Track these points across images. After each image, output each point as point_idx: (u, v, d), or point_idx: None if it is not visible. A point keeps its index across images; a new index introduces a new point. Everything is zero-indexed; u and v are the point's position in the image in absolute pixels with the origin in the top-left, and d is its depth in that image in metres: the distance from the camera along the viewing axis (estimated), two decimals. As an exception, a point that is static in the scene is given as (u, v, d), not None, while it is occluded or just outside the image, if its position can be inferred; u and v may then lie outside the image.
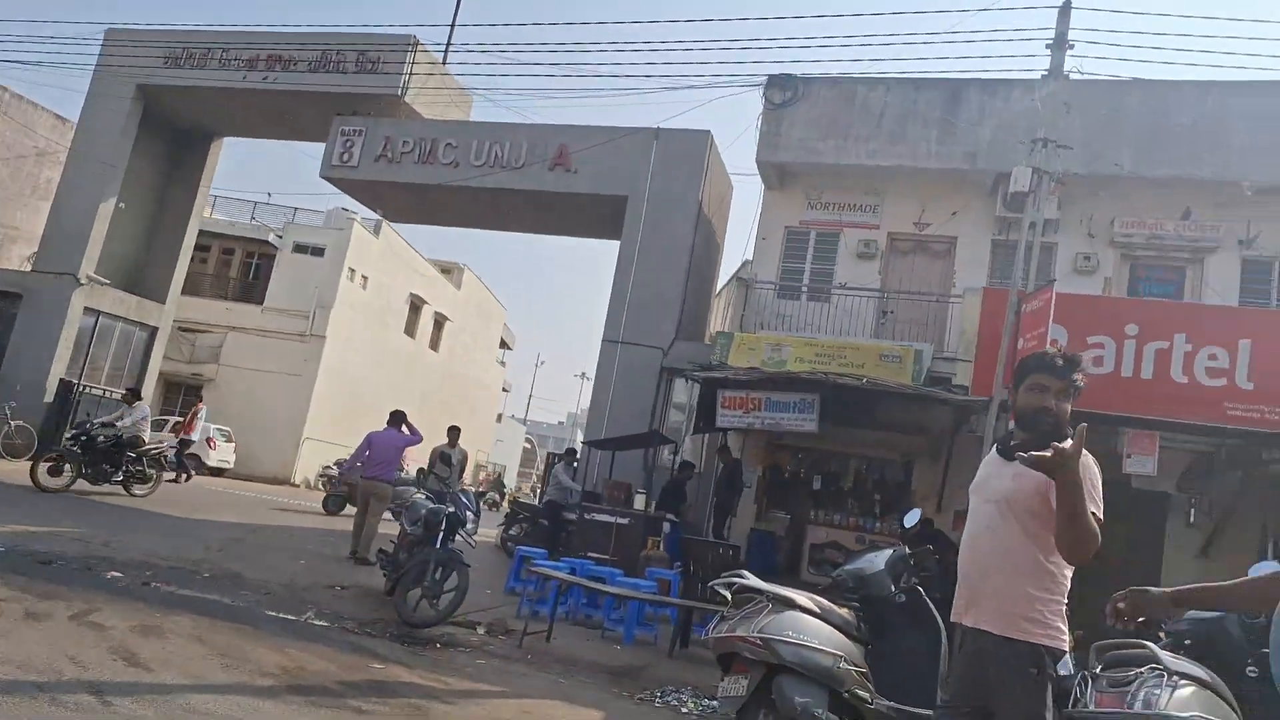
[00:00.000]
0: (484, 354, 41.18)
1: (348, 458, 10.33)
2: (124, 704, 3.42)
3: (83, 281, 17.56)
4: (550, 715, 4.61)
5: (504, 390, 51.29)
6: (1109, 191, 11.60)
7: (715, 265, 16.98)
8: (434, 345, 34.05)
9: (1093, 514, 2.43)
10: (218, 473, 22.33)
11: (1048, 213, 9.04)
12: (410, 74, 17.10)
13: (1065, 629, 2.65)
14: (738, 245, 68.53)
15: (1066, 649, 2.66)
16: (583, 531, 9.67)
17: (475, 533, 7.77)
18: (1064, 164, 9.37)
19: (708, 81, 42.02)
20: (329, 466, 25.41)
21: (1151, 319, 8.87)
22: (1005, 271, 12.46)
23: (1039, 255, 9.18)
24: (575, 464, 13.54)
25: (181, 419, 18.55)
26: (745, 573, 4.13)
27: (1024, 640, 2.57)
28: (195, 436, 16.83)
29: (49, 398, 17.09)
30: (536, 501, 14.58)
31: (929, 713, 3.70)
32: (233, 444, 23.00)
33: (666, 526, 10.40)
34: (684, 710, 5.27)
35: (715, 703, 5.31)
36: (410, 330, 31.78)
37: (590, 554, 9.22)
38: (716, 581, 4.19)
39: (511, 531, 12.16)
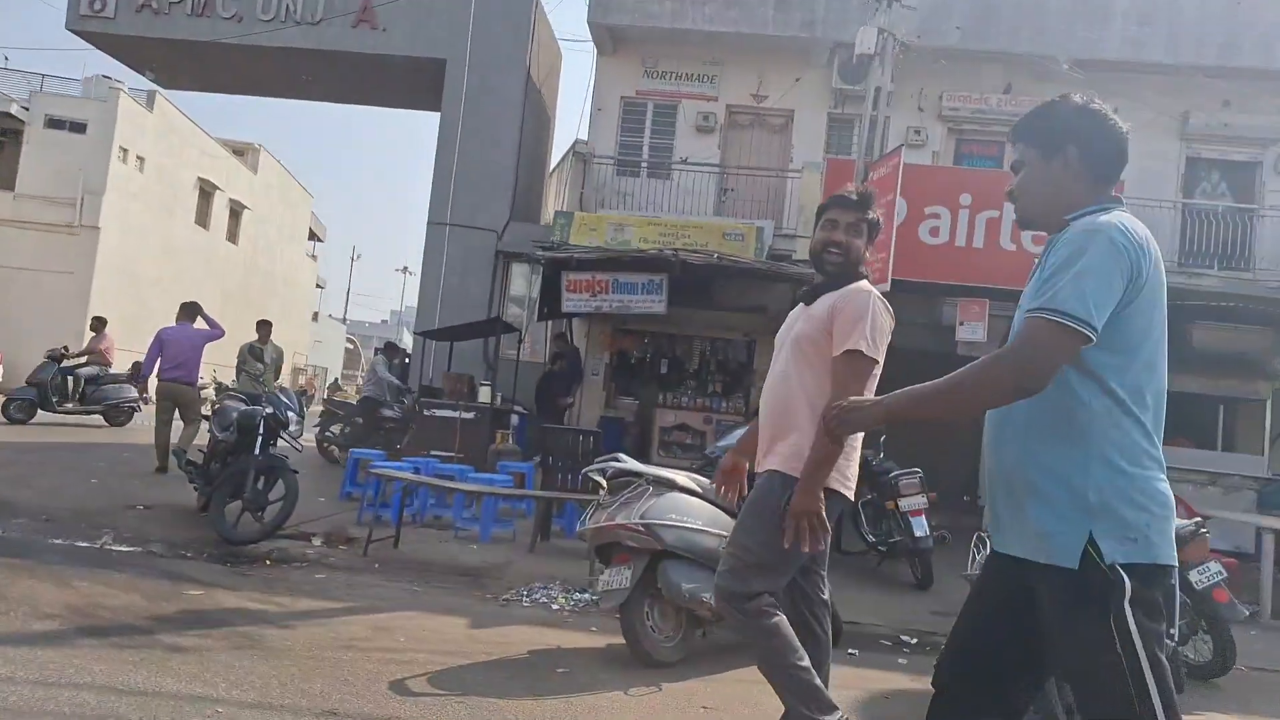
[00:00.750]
0: (291, 246, 37.85)
1: (143, 362, 8.95)
2: None
3: None
4: (407, 628, 4.13)
5: (318, 287, 47.71)
6: (938, 66, 11.78)
7: (548, 141, 16.04)
8: (231, 237, 30.74)
9: (853, 351, 2.47)
10: (-21, 387, 19.32)
11: (885, 82, 8.95)
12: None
13: (851, 476, 2.62)
14: (570, 122, 65.47)
15: (846, 494, 2.62)
16: (424, 429, 8.99)
17: (301, 435, 6.93)
18: (903, 31, 9.27)
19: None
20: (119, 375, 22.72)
21: (983, 188, 9.18)
22: (841, 147, 12.52)
23: (872, 128, 9.14)
24: (397, 360, 12.71)
25: None
26: (622, 455, 3.78)
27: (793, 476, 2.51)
28: None
29: None
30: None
31: None
32: (-3, 354, 19.88)
33: (515, 419, 9.94)
34: (554, 607, 4.96)
35: (588, 596, 5.07)
36: (202, 220, 28.41)
37: (434, 452, 8.63)
38: (591, 468, 3.83)
39: (329, 432, 11.26)
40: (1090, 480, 1.62)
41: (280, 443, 6.61)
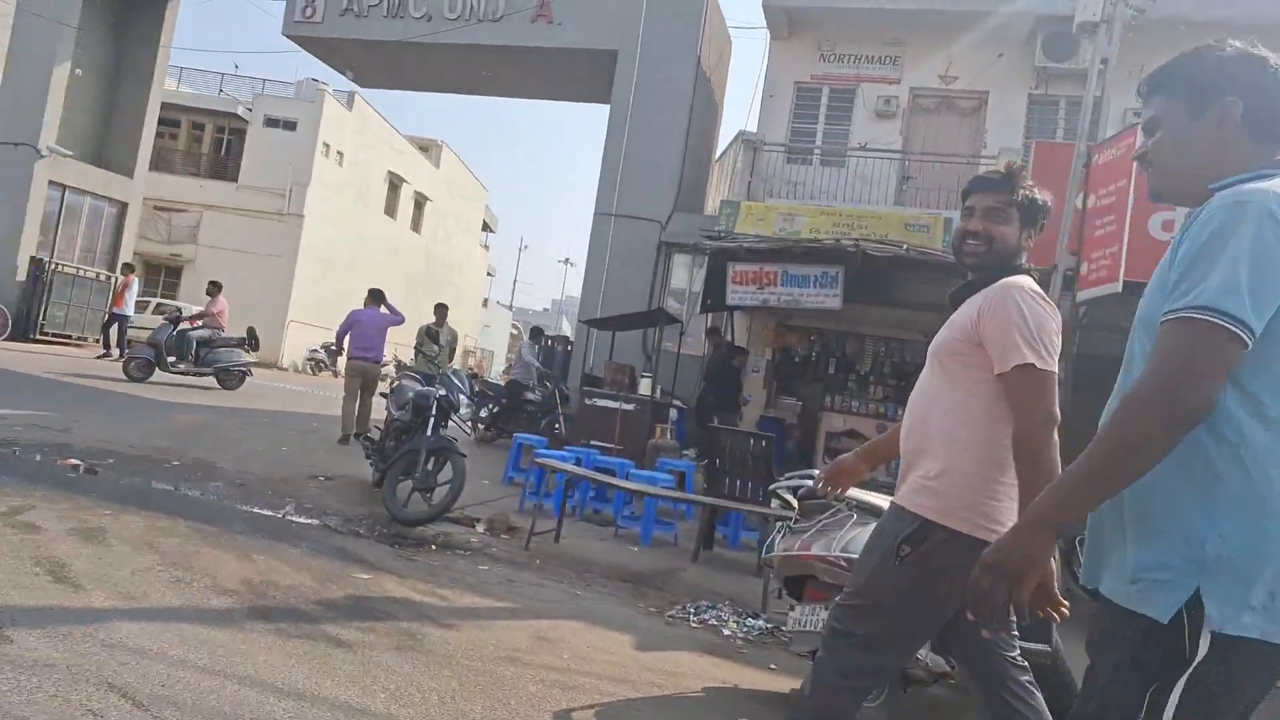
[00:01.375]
0: (467, 236, 39.91)
1: (333, 339, 9.64)
2: (26, 639, 2.76)
3: (44, 153, 16.28)
4: (570, 642, 3.92)
5: (489, 275, 50.10)
6: (1170, 35, 10.37)
7: (715, 130, 15.75)
8: (415, 227, 32.83)
9: (1024, 366, 1.97)
10: (202, 357, 21.67)
11: (1112, 54, 7.94)
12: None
13: (1000, 518, 2.00)
14: (737, 110, 64.51)
15: (985, 538, 1.94)
16: (584, 418, 9.02)
17: (470, 419, 7.08)
18: (1129, -2, 8.19)
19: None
20: (315, 350, 24.83)
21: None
22: (1043, 131, 11.38)
23: (1097, 108, 8.13)
24: (542, 343, 12.99)
25: (181, 303, 17.57)
26: (816, 472, 3.41)
27: (913, 513, 2.07)
28: (127, 310, 15.39)
29: (20, 276, 16.17)
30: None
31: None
32: (215, 327, 22.23)
33: (674, 412, 9.77)
34: (725, 632, 4.61)
35: (762, 623, 4.75)
36: (390, 210, 30.49)
37: (593, 442, 8.62)
38: (779, 484, 3.47)
39: (481, 414, 11.57)
40: (1215, 527, 1.27)
41: (451, 424, 6.79)
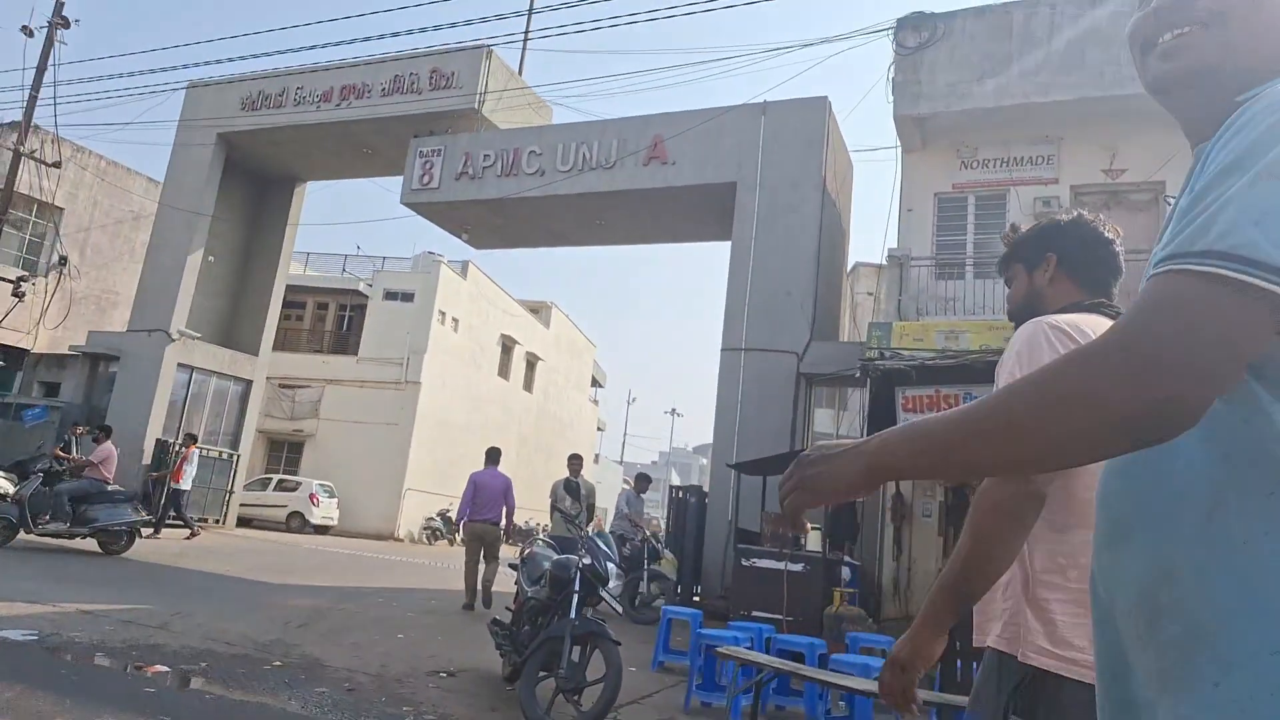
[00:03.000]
0: (577, 393, 39.91)
1: (457, 507, 8.83)
2: None
3: (174, 337, 16.83)
4: None
5: (599, 429, 49.72)
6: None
7: (843, 255, 14.77)
8: (527, 386, 32.93)
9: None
10: (322, 530, 21.34)
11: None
12: (486, 86, 15.77)
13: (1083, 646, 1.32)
14: (863, 230, 64.41)
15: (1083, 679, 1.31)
16: (741, 583, 7.52)
17: (620, 591, 5.74)
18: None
19: (820, 37, 39.62)
20: (431, 518, 24.24)
21: None
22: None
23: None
24: (645, 493, 11.76)
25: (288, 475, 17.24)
26: None
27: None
28: (185, 485, 14.12)
29: (146, 459, 16.28)
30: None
31: None
32: (335, 499, 22.03)
33: (846, 571, 8.16)
34: None
35: None
36: (503, 372, 30.72)
37: (756, 612, 7.09)
38: None
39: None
40: None
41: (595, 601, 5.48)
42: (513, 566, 6.71)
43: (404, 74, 16.19)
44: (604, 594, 5.20)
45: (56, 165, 16.16)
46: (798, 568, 7.38)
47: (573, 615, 5.04)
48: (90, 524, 10.35)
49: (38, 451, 14.39)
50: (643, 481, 12.08)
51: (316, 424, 24.75)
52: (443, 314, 25.92)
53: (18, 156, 15.52)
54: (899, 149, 12.16)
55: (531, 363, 33.37)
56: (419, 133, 15.87)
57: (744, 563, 7.60)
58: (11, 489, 13.34)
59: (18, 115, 16.23)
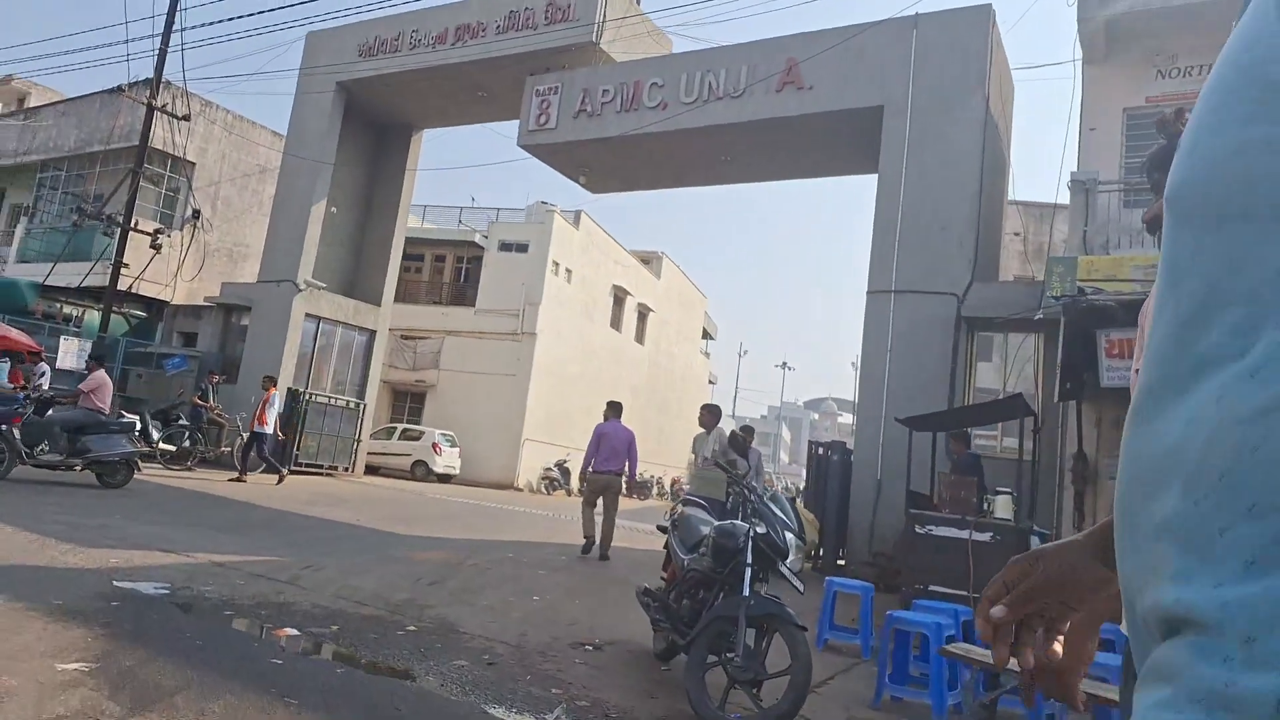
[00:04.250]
0: (688, 345, 39.16)
1: (575, 458, 8.24)
2: None
3: (301, 287, 17.00)
4: None
5: (710, 383, 48.93)
6: None
7: (1004, 186, 13.17)
8: (639, 338, 32.41)
9: None
10: (445, 479, 21.58)
11: None
12: (604, 16, 14.81)
13: None
14: (1025, 154, 57.53)
15: None
16: (916, 553, 6.56)
17: (801, 568, 4.89)
18: None
19: None
20: (549, 469, 24.20)
21: None
22: None
23: None
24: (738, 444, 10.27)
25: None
26: None
27: None
28: (267, 428, 13.50)
29: (279, 408, 16.60)
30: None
31: None
32: (457, 449, 22.21)
33: (1035, 541, 7.06)
34: None
35: None
36: (615, 323, 30.27)
37: (932, 587, 6.15)
38: None
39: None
40: None
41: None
42: (661, 529, 6.00)
43: (519, 9, 15.44)
44: (783, 569, 4.38)
45: (186, 119, 16.39)
46: (984, 537, 6.35)
47: (745, 592, 4.25)
48: (84, 455, 9.75)
49: (178, 399, 14.84)
50: (747, 433, 10.64)
51: (437, 374, 25.02)
52: (556, 264, 25.57)
53: (150, 110, 15.78)
54: (1077, 62, 10.53)
55: (643, 314, 32.78)
56: (535, 70, 15.16)
57: (918, 530, 6.62)
58: (156, 435, 13.78)
59: (149, 73, 16.48)
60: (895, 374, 11.01)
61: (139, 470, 10.50)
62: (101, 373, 10.50)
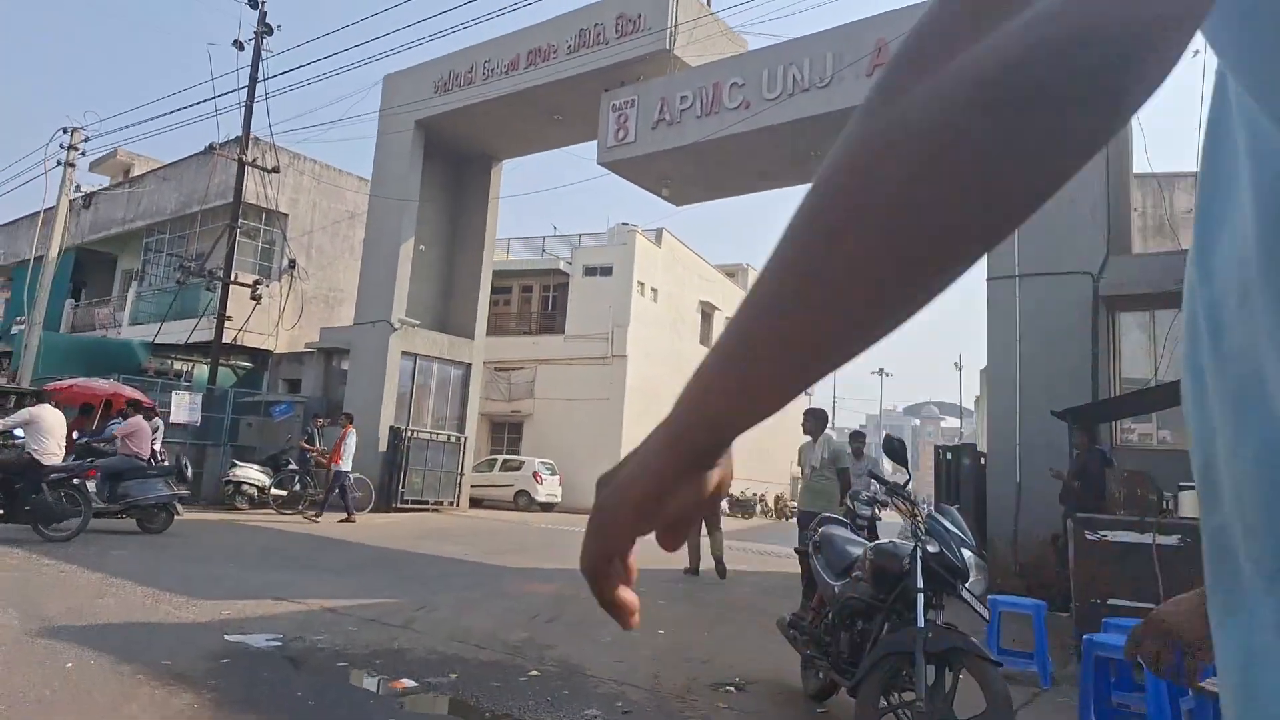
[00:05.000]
0: (782, 356, 38.13)
1: None
2: None
3: (396, 325, 17.15)
4: None
5: (806, 394, 47.76)
6: None
7: (1129, 152, 12.02)
8: (731, 352, 31.66)
9: None
10: (548, 507, 21.39)
11: None
12: (675, 21, 14.44)
13: None
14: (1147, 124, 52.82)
15: None
16: (1089, 564, 5.70)
17: (984, 590, 4.18)
18: None
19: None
20: (651, 492, 23.67)
21: None
22: None
23: None
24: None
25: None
26: None
27: None
28: (345, 466, 13.27)
29: (382, 447, 16.73)
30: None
31: None
32: (558, 476, 22.02)
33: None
34: None
35: None
36: (705, 339, 29.78)
37: (1114, 601, 5.31)
38: None
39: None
40: None
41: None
42: (799, 552, 5.39)
43: (588, 26, 15.25)
44: (965, 594, 3.70)
45: (276, 170, 16.84)
46: (1171, 540, 5.46)
47: (920, 623, 3.59)
48: (123, 500, 9.56)
49: (286, 444, 15.06)
50: (858, 440, 9.29)
51: (532, 404, 24.98)
52: (641, 284, 25.28)
53: (241, 166, 16.28)
54: None
55: (733, 328, 32.19)
56: (609, 86, 14.88)
57: (1089, 535, 5.76)
58: (267, 481, 13.95)
59: (236, 130, 17.04)
60: (1027, 366, 10.05)
61: (178, 514, 10.34)
62: (138, 418, 10.50)
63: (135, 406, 11.09)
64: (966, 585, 3.73)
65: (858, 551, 4.34)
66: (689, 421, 0.51)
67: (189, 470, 11.21)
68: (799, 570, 8.66)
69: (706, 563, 9.48)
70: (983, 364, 15.22)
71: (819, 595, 4.72)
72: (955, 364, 56.95)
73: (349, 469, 13.39)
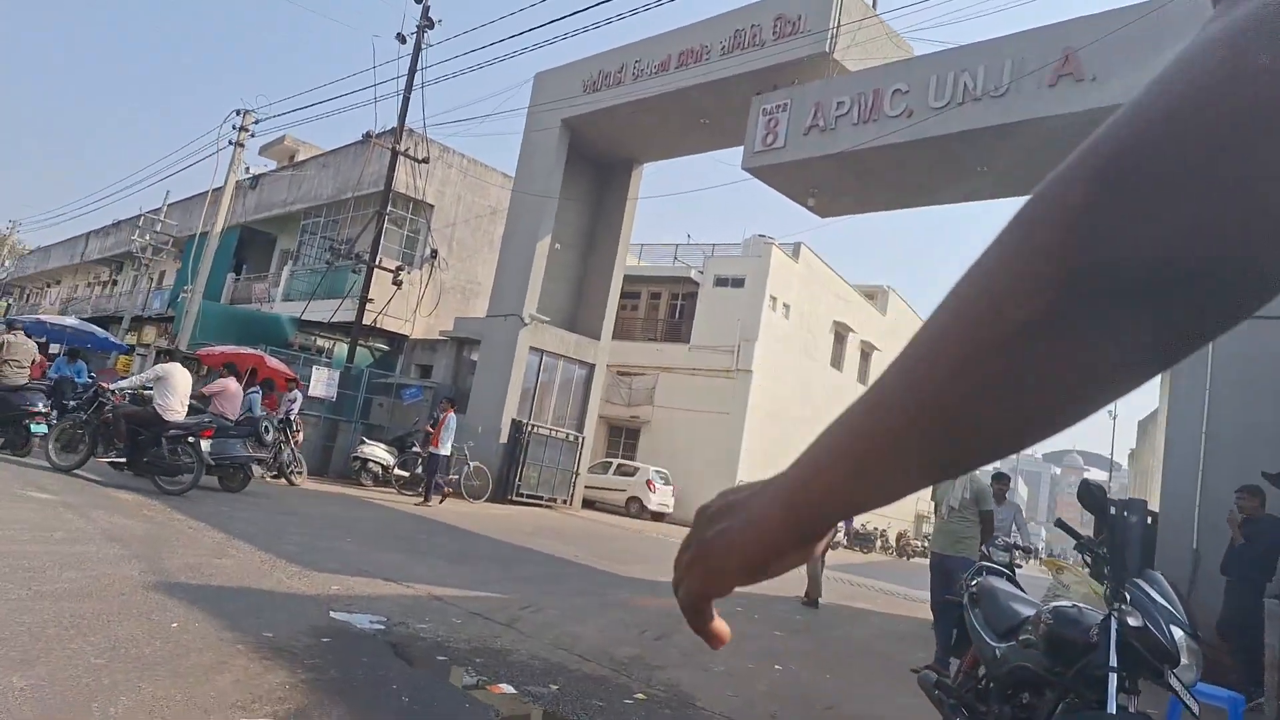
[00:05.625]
0: (916, 386, 36.31)
1: None
2: None
3: (526, 321, 17.30)
4: None
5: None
6: None
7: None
8: (861, 378, 30.45)
9: None
10: (658, 517, 21.04)
11: None
12: (838, 23, 13.79)
13: None
14: None
15: None
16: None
17: (1194, 681, 3.42)
18: None
19: None
20: (764, 512, 22.87)
21: None
22: None
23: None
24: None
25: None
26: None
27: None
28: (444, 450, 13.00)
29: (503, 438, 16.88)
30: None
31: None
32: (671, 487, 21.63)
33: None
34: None
35: None
36: (836, 362, 28.63)
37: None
38: None
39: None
40: None
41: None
42: (944, 602, 4.73)
43: (744, 27, 14.84)
44: (1172, 681, 3.00)
45: (426, 161, 17.35)
46: None
47: (1111, 708, 2.93)
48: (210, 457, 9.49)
49: (414, 427, 15.39)
50: (1001, 482, 8.22)
51: (652, 410, 24.72)
52: (774, 299, 24.54)
53: (394, 155, 16.86)
54: None
55: (866, 353, 30.83)
56: (761, 89, 14.40)
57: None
58: (391, 460, 14.27)
59: (392, 121, 17.68)
60: (1217, 414, 8.81)
61: (252, 475, 10.38)
62: (229, 380, 10.59)
63: (229, 369, 11.42)
64: (1174, 671, 3.03)
65: (1026, 611, 3.69)
66: (811, 491, 0.48)
67: (270, 433, 11.49)
68: (928, 616, 7.85)
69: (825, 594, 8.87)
70: (1141, 414, 13.70)
71: (971, 654, 4.08)
72: (1110, 411, 52.59)
73: (447, 453, 13.15)
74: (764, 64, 14.35)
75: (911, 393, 0.41)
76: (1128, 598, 3.22)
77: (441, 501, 13.31)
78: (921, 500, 38.66)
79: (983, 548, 5.85)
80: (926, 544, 35.12)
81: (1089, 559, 3.53)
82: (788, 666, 5.78)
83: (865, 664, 6.47)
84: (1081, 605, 3.39)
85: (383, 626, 4.85)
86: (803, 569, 9.08)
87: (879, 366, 31.34)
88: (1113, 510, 9.13)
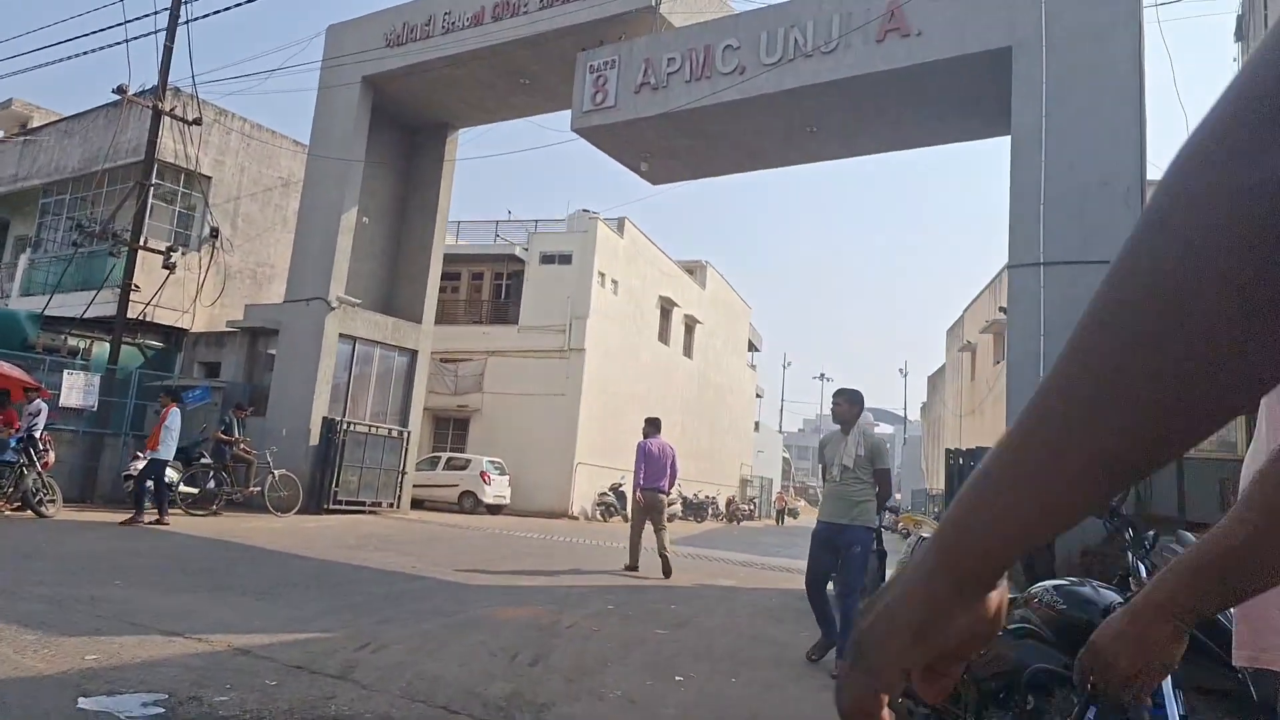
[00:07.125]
0: (734, 358, 37.48)
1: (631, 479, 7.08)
2: None
3: (333, 304, 15.37)
4: None
5: (757, 396, 46.95)
6: None
7: (1167, 133, 11.13)
8: (687, 351, 30.68)
9: None
10: (495, 510, 19.78)
11: None
12: (662, -23, 13.09)
13: None
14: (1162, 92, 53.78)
15: None
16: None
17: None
18: None
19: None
20: (605, 493, 22.28)
21: None
22: None
23: None
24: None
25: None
26: None
27: None
28: (164, 454, 10.84)
29: (314, 440, 14.91)
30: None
31: None
32: (507, 477, 20.43)
33: None
34: None
35: None
36: (664, 337, 28.53)
37: None
38: None
39: None
40: None
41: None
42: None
43: (564, -22, 13.79)
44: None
45: (197, 123, 14.87)
46: None
47: (1173, 715, 2.30)
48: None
49: (200, 435, 13.16)
50: (858, 405, 7.40)
51: (481, 398, 23.29)
52: (602, 275, 23.86)
53: (157, 115, 14.25)
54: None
55: (690, 326, 31.01)
56: (586, 46, 13.44)
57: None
58: (175, 477, 12.05)
59: (155, 80, 14.96)
60: (1051, 361, 9.00)
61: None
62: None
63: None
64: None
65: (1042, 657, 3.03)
66: (968, 530, 0.49)
67: (8, 455, 9.49)
68: (790, 586, 7.28)
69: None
70: (930, 370, 14.15)
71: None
72: (900, 370, 57.08)
73: (168, 457, 10.90)
74: (587, 18, 13.40)
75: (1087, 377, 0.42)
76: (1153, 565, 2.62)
77: (158, 521, 10.56)
78: (744, 464, 39.81)
79: (884, 511, 5.28)
80: (752, 507, 36.09)
81: (1120, 529, 2.87)
82: (687, 676, 4.96)
83: (761, 655, 5.80)
84: (1096, 584, 2.77)
85: (163, 710, 3.49)
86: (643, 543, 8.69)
87: (702, 339, 31.78)
88: (959, 460, 8.84)
